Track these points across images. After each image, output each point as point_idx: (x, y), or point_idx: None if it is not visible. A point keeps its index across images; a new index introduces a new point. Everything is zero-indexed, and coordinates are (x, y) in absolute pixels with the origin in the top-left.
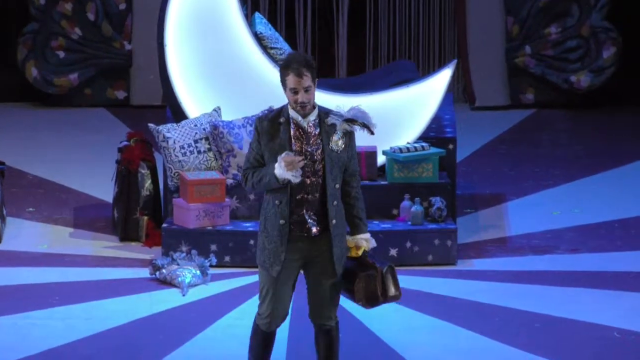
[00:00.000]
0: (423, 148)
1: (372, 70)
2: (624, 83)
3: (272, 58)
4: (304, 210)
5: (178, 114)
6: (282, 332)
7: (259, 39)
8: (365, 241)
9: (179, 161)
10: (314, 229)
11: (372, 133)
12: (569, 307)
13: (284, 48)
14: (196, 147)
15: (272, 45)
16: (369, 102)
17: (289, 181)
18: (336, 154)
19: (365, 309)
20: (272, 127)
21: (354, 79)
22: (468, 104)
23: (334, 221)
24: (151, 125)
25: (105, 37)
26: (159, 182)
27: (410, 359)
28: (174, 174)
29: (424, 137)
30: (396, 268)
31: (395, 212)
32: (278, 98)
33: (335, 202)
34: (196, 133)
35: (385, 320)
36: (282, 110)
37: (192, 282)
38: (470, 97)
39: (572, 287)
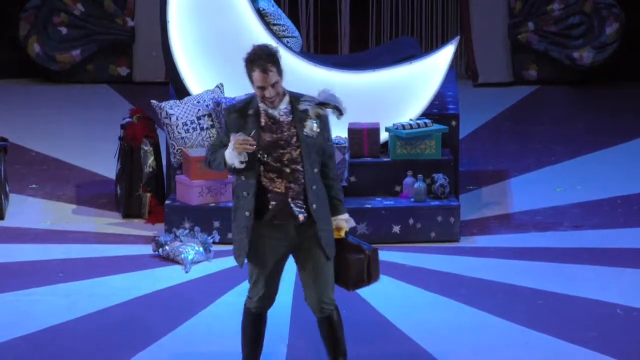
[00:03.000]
0: (426, 125)
1: (374, 47)
2: (626, 59)
3: (275, 34)
4: (289, 199)
5: (181, 91)
6: (284, 320)
7: (261, 15)
8: (345, 222)
9: (182, 138)
10: (301, 217)
11: (341, 115)
12: (571, 284)
13: (287, 24)
14: (199, 123)
15: (275, 22)
16: (371, 79)
17: (235, 167)
18: (312, 139)
19: (348, 291)
20: (240, 119)
21: (357, 56)
22: (471, 81)
23: (314, 205)
24: (154, 102)
25: (107, 13)
26: (162, 158)
27: (412, 336)
28: (177, 151)
29: (426, 113)
30: (398, 245)
31: (398, 188)
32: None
33: (314, 187)
34: (199, 110)
35: (387, 297)
36: (251, 101)
37: (195, 259)
38: (473, 73)
39: (575, 263)
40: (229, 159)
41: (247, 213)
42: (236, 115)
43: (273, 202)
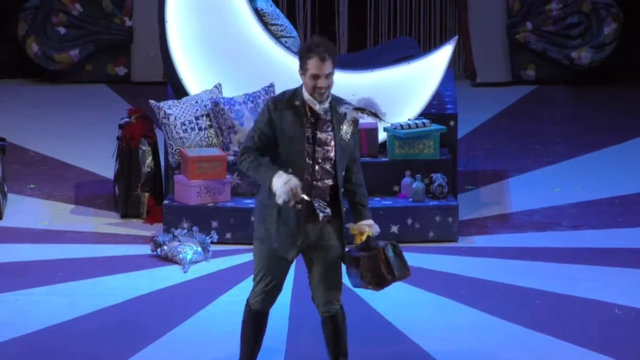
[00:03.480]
0: (424, 125)
1: (372, 46)
2: (625, 59)
3: (272, 34)
4: (313, 197)
5: (179, 91)
6: (282, 319)
7: (259, 15)
8: (368, 227)
9: (180, 138)
10: (321, 215)
11: (382, 120)
12: (570, 284)
13: (285, 24)
14: (197, 123)
15: (273, 22)
16: (369, 79)
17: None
18: (345, 142)
19: (376, 291)
20: (288, 108)
21: (355, 56)
22: (469, 81)
23: (344, 208)
24: (152, 101)
25: (106, 13)
26: (160, 158)
27: (411, 336)
28: (175, 151)
29: (425, 113)
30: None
31: (396, 188)
32: (279, 75)
33: (342, 190)
34: (197, 110)
35: (386, 297)
36: (295, 93)
37: (194, 258)
38: (471, 73)
39: (573, 263)
40: (276, 190)
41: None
42: (284, 104)
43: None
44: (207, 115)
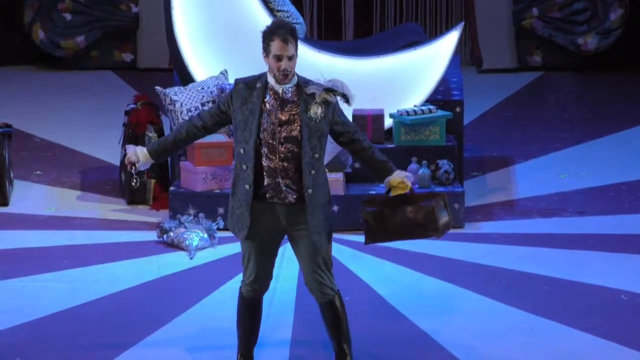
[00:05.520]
0: (430, 111)
1: (379, 33)
2: (631, 45)
3: None
4: (280, 178)
5: (185, 77)
6: (289, 305)
7: (265, 1)
8: (406, 177)
9: None
10: (290, 197)
11: (349, 104)
12: (575, 270)
13: (291, 10)
14: (203, 110)
15: (279, 8)
16: (376, 65)
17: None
18: (314, 122)
19: (437, 237)
20: (246, 91)
21: (361, 42)
22: (475, 67)
23: (309, 191)
24: (158, 88)
25: None
26: None
27: (417, 322)
28: None
29: (431, 100)
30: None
31: None
32: None
33: (312, 172)
34: (203, 96)
35: (392, 283)
36: (260, 77)
37: (200, 245)
38: (477, 59)
39: (579, 249)
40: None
41: (247, 186)
42: (243, 87)
43: (267, 179)
44: (213, 102)
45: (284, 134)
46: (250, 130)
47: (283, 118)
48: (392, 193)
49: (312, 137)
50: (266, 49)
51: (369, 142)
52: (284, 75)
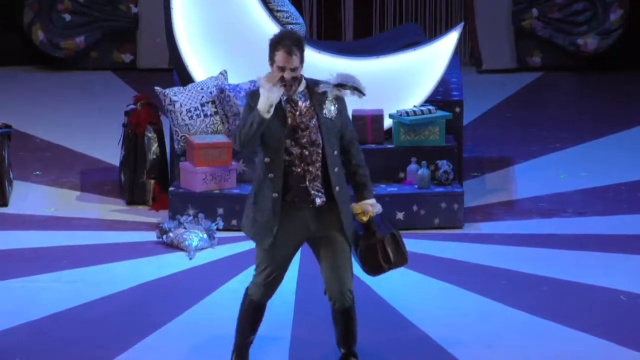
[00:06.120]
0: (430, 111)
1: (378, 33)
2: (631, 45)
3: (278, 21)
4: (307, 182)
5: (184, 78)
6: (288, 307)
7: (265, 2)
8: (371, 207)
9: (186, 125)
10: (318, 200)
11: (363, 95)
12: (575, 271)
13: (291, 11)
14: (203, 110)
15: (279, 9)
16: (375, 66)
17: (270, 108)
18: (330, 121)
19: (371, 277)
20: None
21: (361, 43)
22: (475, 67)
23: (337, 188)
24: (158, 88)
25: None
26: (166, 145)
27: (417, 322)
28: (181, 138)
29: (430, 100)
30: (403, 232)
31: (402, 175)
32: None
33: (336, 169)
34: (203, 96)
35: (392, 284)
36: None
37: (199, 245)
38: (477, 60)
39: (579, 250)
40: (263, 105)
41: (275, 194)
42: (258, 97)
43: (292, 185)
44: (213, 102)
45: (305, 138)
46: (275, 138)
47: (302, 122)
48: (356, 218)
49: (330, 135)
50: (271, 58)
51: (361, 160)
52: (287, 87)
